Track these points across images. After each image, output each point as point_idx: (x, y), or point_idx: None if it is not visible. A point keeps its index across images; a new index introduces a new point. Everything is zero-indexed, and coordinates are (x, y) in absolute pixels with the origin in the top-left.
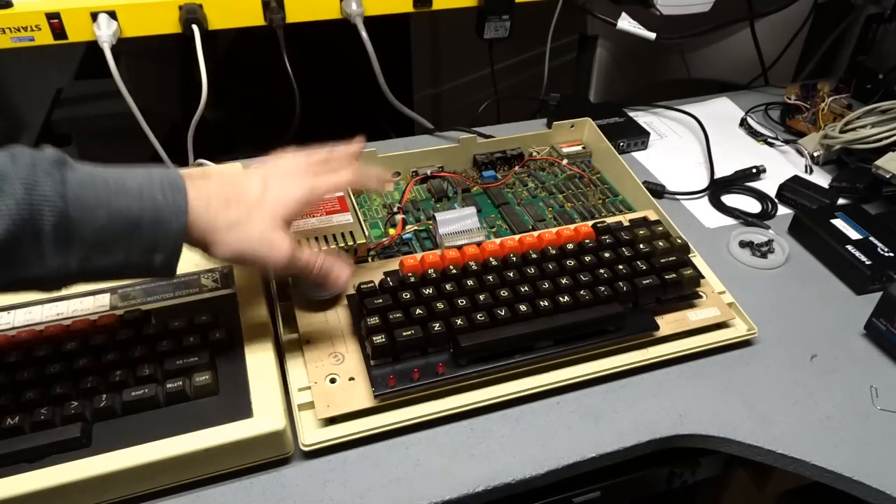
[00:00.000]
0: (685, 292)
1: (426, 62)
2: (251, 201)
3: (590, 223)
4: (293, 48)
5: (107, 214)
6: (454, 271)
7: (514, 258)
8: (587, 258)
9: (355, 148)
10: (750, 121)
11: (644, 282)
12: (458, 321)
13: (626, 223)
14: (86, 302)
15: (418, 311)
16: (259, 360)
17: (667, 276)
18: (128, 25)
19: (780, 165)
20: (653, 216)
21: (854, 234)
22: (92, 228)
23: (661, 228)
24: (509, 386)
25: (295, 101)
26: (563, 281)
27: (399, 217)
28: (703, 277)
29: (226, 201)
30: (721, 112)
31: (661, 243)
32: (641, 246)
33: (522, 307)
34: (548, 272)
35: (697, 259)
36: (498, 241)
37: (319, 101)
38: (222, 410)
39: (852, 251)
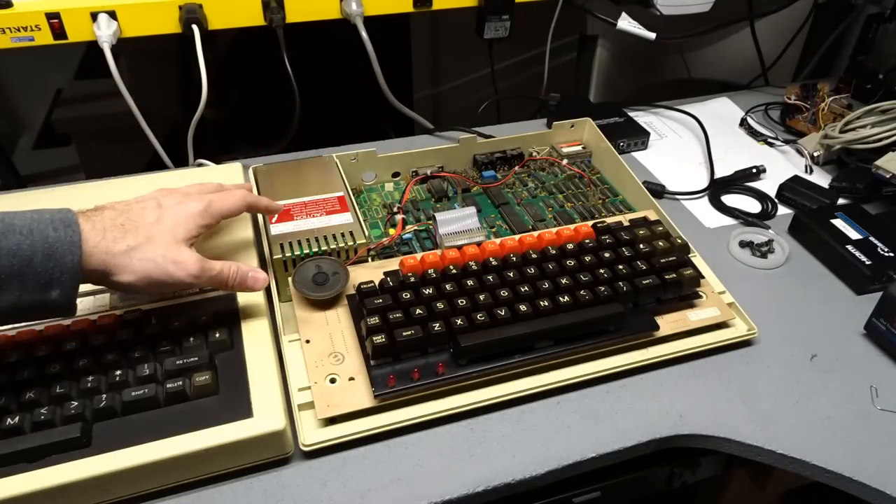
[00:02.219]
0: (685, 292)
1: (426, 62)
2: (149, 224)
3: (590, 223)
4: (293, 48)
5: None
6: (454, 271)
7: (514, 258)
8: (587, 258)
9: (245, 185)
10: (750, 121)
11: (644, 282)
12: (458, 321)
13: (626, 223)
14: (86, 302)
15: (418, 311)
16: (259, 360)
17: (667, 276)
18: (128, 25)
19: (780, 165)
20: (653, 216)
21: (854, 234)
22: None
23: (661, 228)
24: (509, 386)
25: (295, 101)
26: (563, 281)
27: (399, 217)
28: (703, 277)
29: (122, 228)
30: (721, 112)
31: (661, 243)
32: (641, 246)
33: (522, 307)
34: (548, 272)
35: (697, 259)
36: (498, 241)
37: (319, 101)
38: (222, 410)
39: (852, 251)
